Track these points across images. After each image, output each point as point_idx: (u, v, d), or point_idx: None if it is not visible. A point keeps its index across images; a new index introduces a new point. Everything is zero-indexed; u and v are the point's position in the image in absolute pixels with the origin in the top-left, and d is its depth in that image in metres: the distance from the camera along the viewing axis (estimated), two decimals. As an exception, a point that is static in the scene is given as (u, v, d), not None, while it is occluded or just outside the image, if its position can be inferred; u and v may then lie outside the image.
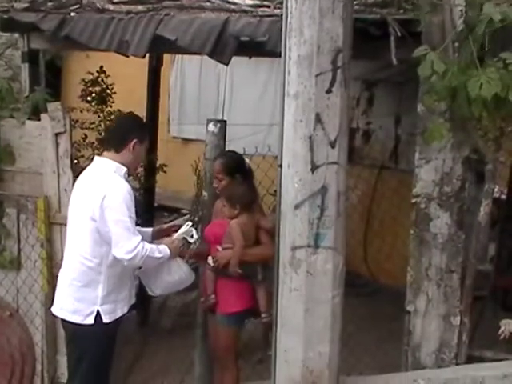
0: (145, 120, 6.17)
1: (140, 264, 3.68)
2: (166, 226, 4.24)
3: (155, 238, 4.04)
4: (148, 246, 3.67)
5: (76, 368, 3.76)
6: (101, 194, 3.57)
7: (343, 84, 3.57)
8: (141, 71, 6.67)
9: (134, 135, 3.73)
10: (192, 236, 3.98)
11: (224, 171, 4.23)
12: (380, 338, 5.65)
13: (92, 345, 3.67)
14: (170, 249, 3.80)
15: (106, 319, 3.67)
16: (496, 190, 6.39)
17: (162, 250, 3.77)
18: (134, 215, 3.64)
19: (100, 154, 3.85)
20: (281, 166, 3.75)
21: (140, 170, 6.48)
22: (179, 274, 3.94)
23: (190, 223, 4.04)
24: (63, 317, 3.76)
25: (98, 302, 3.66)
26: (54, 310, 3.84)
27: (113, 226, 3.57)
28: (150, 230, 4.12)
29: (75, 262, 3.67)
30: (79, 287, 3.64)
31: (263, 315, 4.19)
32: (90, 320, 3.63)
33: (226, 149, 4.49)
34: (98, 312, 3.64)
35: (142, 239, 3.65)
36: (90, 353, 3.68)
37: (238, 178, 4.23)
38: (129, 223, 3.59)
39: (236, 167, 4.26)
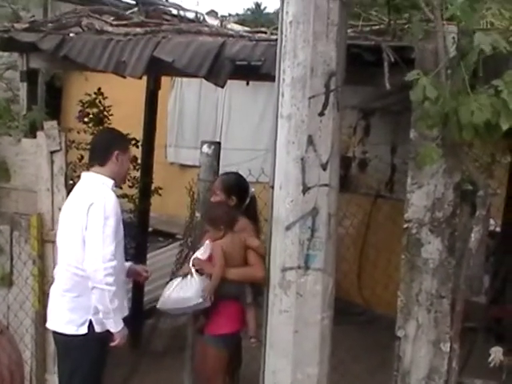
0: (141, 143, 6.25)
1: (100, 285, 3.55)
2: (138, 267, 4.26)
3: (129, 276, 4.10)
4: (115, 286, 3.59)
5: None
6: (88, 203, 3.63)
7: (336, 107, 3.61)
8: (139, 96, 6.73)
9: (116, 147, 3.82)
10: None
11: (221, 188, 4.25)
12: (373, 365, 5.62)
13: (85, 356, 3.68)
14: (120, 331, 3.71)
15: (98, 329, 3.70)
16: (492, 222, 6.44)
17: (117, 319, 3.67)
18: (116, 227, 3.64)
19: (88, 170, 3.90)
20: (273, 187, 3.78)
21: (135, 192, 6.52)
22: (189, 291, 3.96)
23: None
24: (56, 329, 3.78)
25: (91, 311, 3.68)
26: (48, 323, 3.87)
27: (92, 234, 3.58)
28: (128, 265, 4.11)
29: (67, 273, 3.71)
30: (72, 298, 3.68)
31: (252, 340, 4.16)
32: (83, 330, 3.66)
33: (220, 170, 4.52)
34: (90, 321, 3.66)
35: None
36: (83, 366, 3.69)
37: (234, 199, 4.24)
38: (109, 236, 3.58)
39: (233, 188, 4.27)
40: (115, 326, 3.65)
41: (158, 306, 4.12)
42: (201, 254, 4.13)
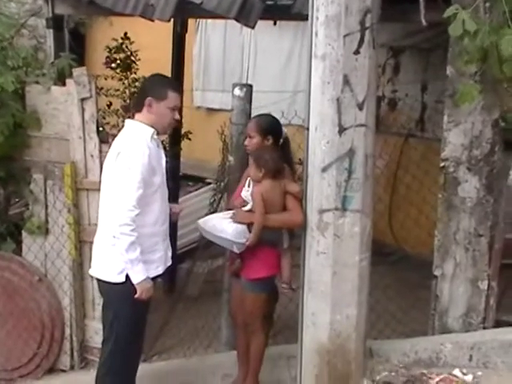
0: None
1: (116, 234, 3.52)
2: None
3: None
4: (134, 235, 3.51)
5: (110, 330, 3.77)
6: (116, 152, 3.58)
7: (371, 45, 3.53)
8: (165, 39, 6.64)
9: (149, 93, 3.67)
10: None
11: (256, 129, 4.11)
12: (406, 305, 5.62)
13: (125, 304, 3.66)
14: (140, 282, 3.60)
15: None
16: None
17: (137, 270, 3.57)
18: (143, 177, 3.53)
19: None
20: (308, 128, 3.73)
21: (165, 137, 6.47)
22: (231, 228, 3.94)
23: None
24: (97, 276, 3.78)
25: None
26: (90, 270, 3.90)
27: (114, 183, 3.55)
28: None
29: (106, 223, 3.69)
30: (110, 246, 3.66)
31: (283, 285, 4.16)
32: (121, 278, 3.62)
33: (252, 113, 4.45)
34: None
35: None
36: (124, 313, 3.68)
37: (270, 139, 4.16)
38: (131, 186, 3.50)
39: (269, 128, 4.16)
40: (135, 276, 3.58)
41: (198, 221, 4.11)
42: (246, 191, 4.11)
